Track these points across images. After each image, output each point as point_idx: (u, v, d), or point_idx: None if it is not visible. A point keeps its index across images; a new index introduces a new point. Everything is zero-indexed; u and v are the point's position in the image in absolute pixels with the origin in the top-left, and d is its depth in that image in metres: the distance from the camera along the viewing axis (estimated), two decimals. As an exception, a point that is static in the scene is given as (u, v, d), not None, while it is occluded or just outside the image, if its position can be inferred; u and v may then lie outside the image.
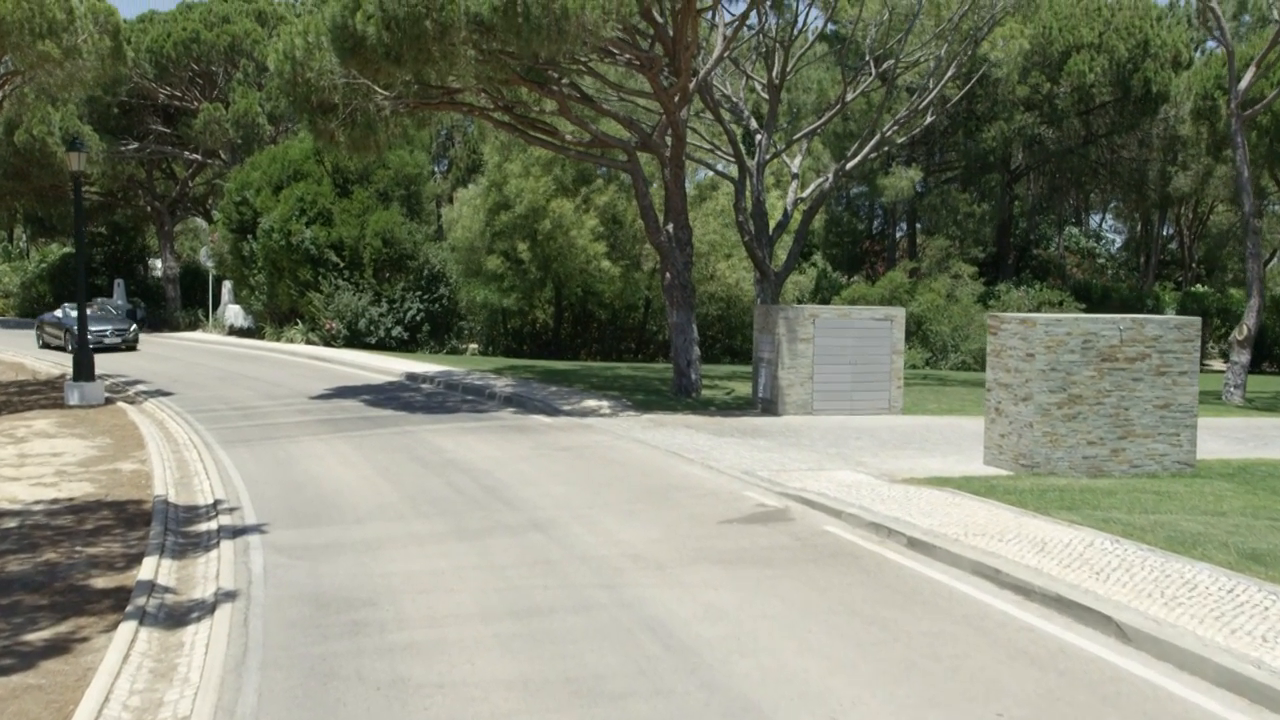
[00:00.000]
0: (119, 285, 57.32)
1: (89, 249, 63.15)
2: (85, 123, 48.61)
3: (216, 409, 24.91)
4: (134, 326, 40.78)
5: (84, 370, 26.32)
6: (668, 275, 25.97)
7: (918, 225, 56.04)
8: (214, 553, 12.48)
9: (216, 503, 15.13)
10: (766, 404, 23.36)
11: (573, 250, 40.67)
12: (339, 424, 22.02)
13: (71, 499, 15.57)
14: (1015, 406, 16.51)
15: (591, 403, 24.58)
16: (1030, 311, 46.88)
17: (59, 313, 41.02)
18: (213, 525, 13.87)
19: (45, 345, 41.20)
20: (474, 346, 45.99)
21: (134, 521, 14.24)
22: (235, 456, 18.69)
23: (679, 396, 25.85)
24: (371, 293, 41.67)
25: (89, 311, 34.61)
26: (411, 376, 30.95)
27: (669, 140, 26.31)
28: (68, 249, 66.13)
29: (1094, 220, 78.58)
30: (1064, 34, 47.26)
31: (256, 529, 13.47)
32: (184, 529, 13.84)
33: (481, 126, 30.74)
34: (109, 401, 26.38)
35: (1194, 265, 70.04)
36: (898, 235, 55.63)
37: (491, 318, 45.79)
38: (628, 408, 23.89)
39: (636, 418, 22.43)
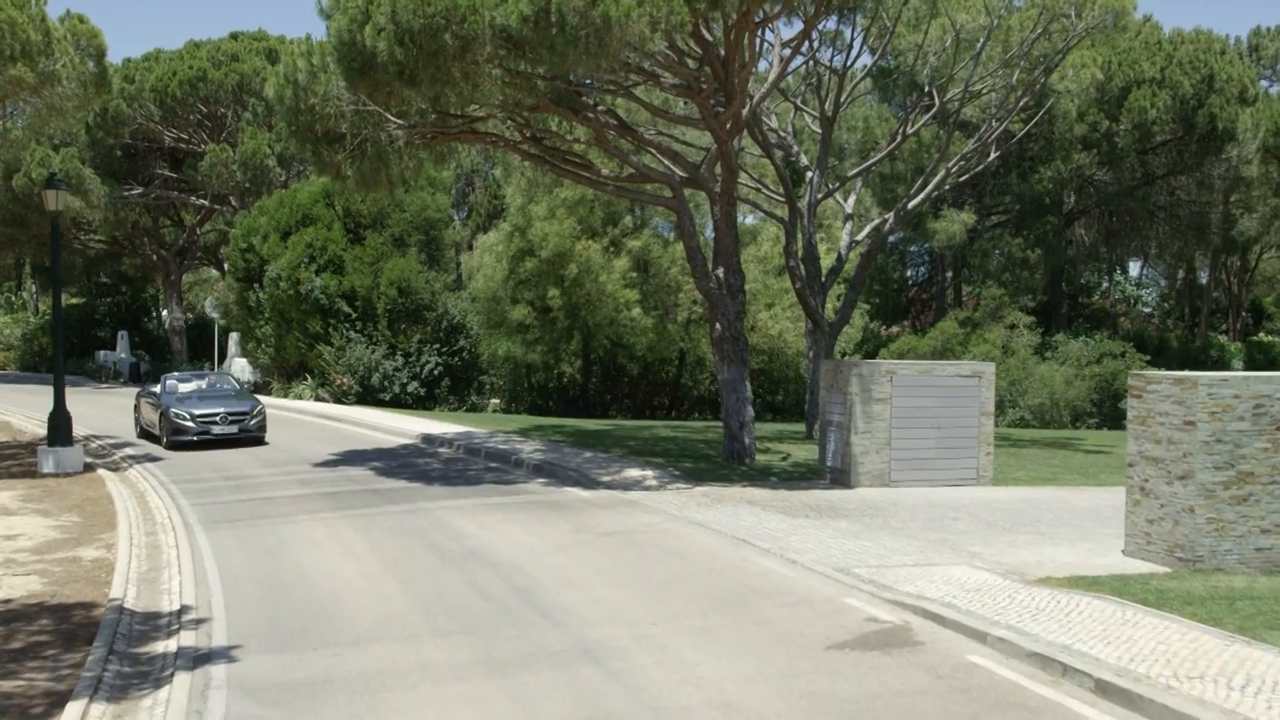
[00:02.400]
0: (123, 337, 54.68)
1: (94, 299, 60.61)
2: (87, 166, 46.14)
3: (207, 478, 21.93)
4: (258, 408, 27.89)
5: (60, 434, 23.38)
6: (718, 326, 22.95)
7: (964, 272, 53.00)
8: (164, 691, 9.46)
9: (183, 610, 12.11)
10: (836, 474, 20.26)
11: (602, 298, 37.71)
12: (343, 499, 18.98)
13: (9, 601, 12.60)
14: (1169, 486, 13.36)
15: (634, 472, 21.49)
16: (1092, 363, 43.73)
17: (157, 388, 28.99)
18: (171, 646, 10.82)
19: (144, 433, 29.06)
20: (495, 402, 42.98)
21: (75, 637, 11.22)
22: (217, 542, 15.65)
23: (731, 463, 22.77)
24: (386, 346, 38.72)
25: (189, 386, 28.80)
26: (428, 439, 27.92)
27: (718, 174, 23.38)
28: (74, 299, 63.59)
29: (1133, 268, 75.56)
30: (1124, 68, 44.37)
31: (225, 654, 10.42)
32: (135, 649, 10.82)
33: (507, 162, 28.05)
34: (89, 468, 23.44)
35: (1243, 313, 66.83)
36: (943, 283, 52.50)
37: (515, 372, 42.81)
38: (675, 478, 20.80)
39: (688, 491, 19.33)
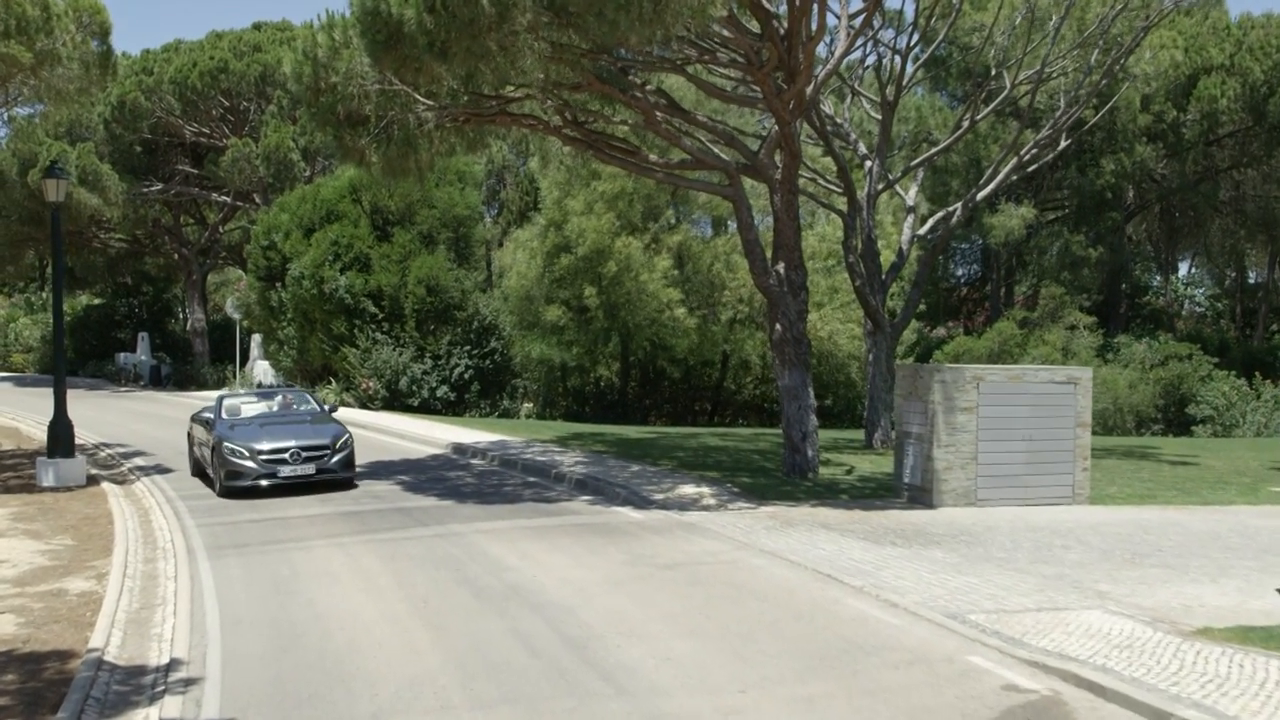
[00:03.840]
0: (143, 339, 52.96)
1: (114, 299, 58.93)
2: (105, 161, 44.42)
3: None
4: (343, 438, 20.54)
5: (61, 444, 21.50)
6: (778, 327, 20.86)
7: (1017, 271, 50.69)
8: (134, 788, 7.44)
9: (172, 665, 10.13)
10: (915, 492, 18.14)
11: (643, 297, 35.64)
12: (366, 520, 16.97)
13: (-28, 649, 10.67)
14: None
15: (688, 489, 19.40)
16: (1156, 366, 41.41)
17: (212, 411, 21.69)
18: (152, 716, 8.83)
19: (198, 470, 22.03)
20: (528, 407, 40.95)
21: (41, 700, 9.33)
22: (221, 573, 13.67)
23: (793, 478, 20.67)
24: (414, 348, 36.72)
25: (253, 409, 21.77)
26: (459, 449, 25.91)
27: (778, 160, 21.29)
28: (96, 300, 61.96)
29: (1181, 267, 72.87)
30: (1191, 55, 42.02)
31: (215, 731, 8.42)
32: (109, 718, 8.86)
33: (544, 150, 26.09)
34: (93, 481, 21.56)
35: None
36: (997, 282, 50.16)
37: (549, 375, 40.80)
38: (735, 496, 18.71)
39: (752, 513, 17.23)
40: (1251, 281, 67.72)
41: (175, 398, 44.19)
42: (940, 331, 52.19)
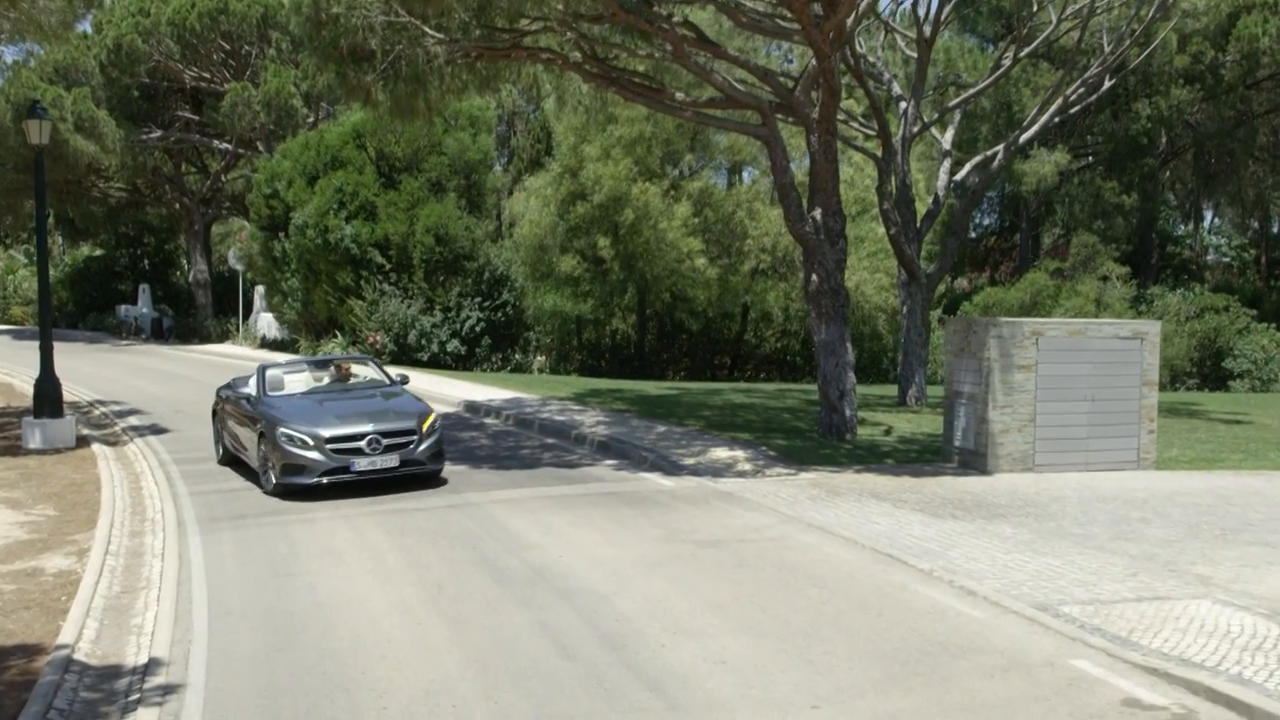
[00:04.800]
0: (144, 291, 51.58)
1: (114, 250, 57.45)
2: (102, 107, 42.79)
3: (215, 458, 18.64)
4: (430, 418, 15.95)
5: (48, 404, 20.20)
6: (814, 278, 19.41)
7: (1044, 220, 49.05)
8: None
9: (150, 666, 8.81)
10: (967, 456, 16.73)
11: (661, 247, 34.11)
12: (373, 486, 15.60)
13: (-72, 645, 9.39)
14: None
15: (720, 452, 18.00)
16: (1191, 319, 39.89)
17: (248, 386, 17.21)
18: (121, 736, 7.54)
19: (230, 458, 17.80)
20: (540, 360, 39.49)
21: (-3, 710, 8.03)
22: (213, 551, 12.33)
23: (830, 440, 19.28)
24: (423, 300, 35.25)
25: (300, 380, 17.22)
26: (472, 407, 24.54)
27: (815, 98, 19.76)
28: (97, 251, 60.50)
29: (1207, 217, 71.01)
30: (1232, -9, 40.10)
31: (192, 759, 7.09)
32: (71, 740, 7.58)
33: (561, 90, 24.40)
34: (83, 442, 20.24)
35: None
36: (1026, 231, 48.49)
37: (563, 328, 39.31)
38: (772, 460, 17.30)
39: (793, 480, 15.84)
40: (1275, 231, 66.02)
41: (177, 351, 42.85)
42: (962, 283, 50.63)
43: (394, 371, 19.00)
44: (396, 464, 15.27)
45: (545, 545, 12.25)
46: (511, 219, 41.58)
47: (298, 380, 17.31)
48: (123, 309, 52.86)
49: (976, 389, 16.48)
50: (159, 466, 17.90)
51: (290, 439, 15.04)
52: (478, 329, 35.41)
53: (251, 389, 16.78)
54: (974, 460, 16.57)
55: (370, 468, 15.11)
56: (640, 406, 24.04)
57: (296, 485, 15.01)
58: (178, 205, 51.09)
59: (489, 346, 35.81)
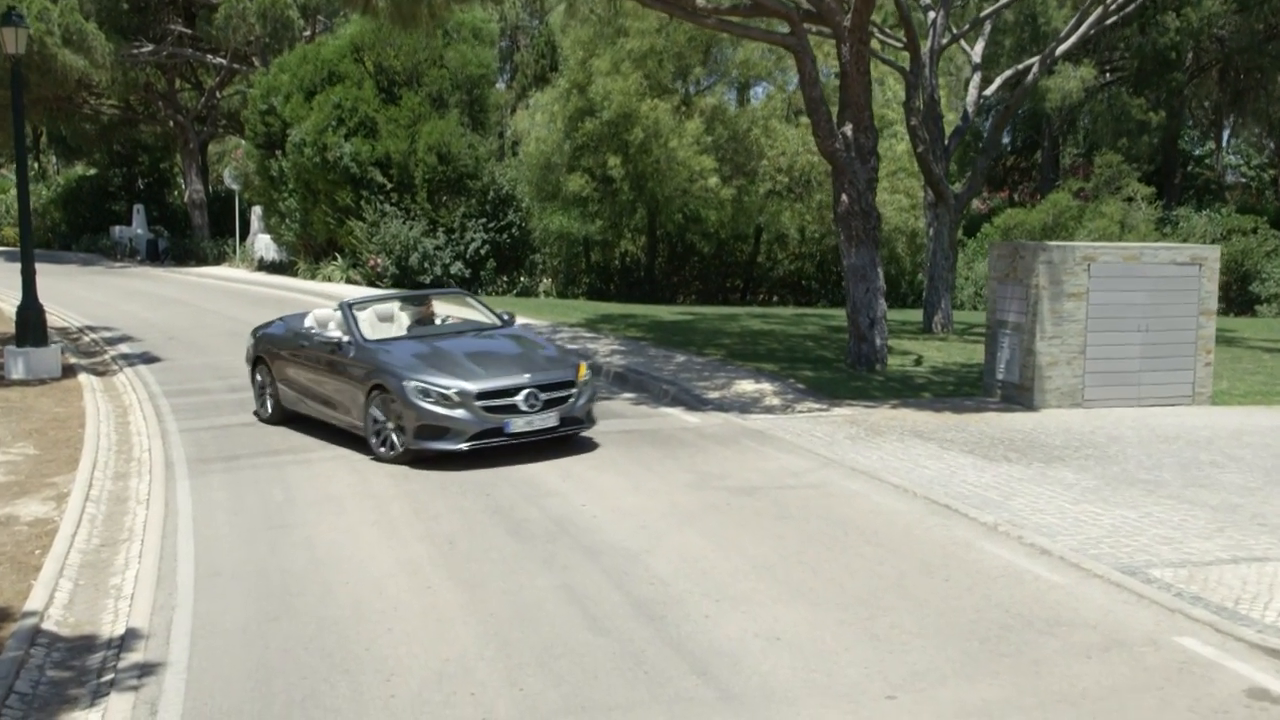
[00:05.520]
0: (138, 211, 50.21)
1: (107, 170, 55.96)
2: (91, 20, 41.08)
3: (210, 389, 17.61)
4: (584, 371, 13.31)
5: (31, 331, 19.12)
6: (844, 198, 18.20)
7: (1066, 139, 47.57)
8: None
9: (125, 641, 7.79)
10: (1011, 390, 15.64)
11: (672, 166, 32.78)
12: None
13: (-120, 611, 8.41)
14: None
15: (746, 385, 16.89)
16: (1218, 241, 38.60)
17: (325, 325, 14.33)
18: (88, 729, 6.53)
19: (286, 414, 14.65)
20: (546, 283, 38.30)
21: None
22: (202, 499, 11.27)
23: (860, 371, 18.18)
24: (426, 221, 33.95)
25: (385, 309, 14.52)
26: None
27: (846, 4, 18.42)
28: (90, 171, 59.00)
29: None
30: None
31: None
32: (32, 731, 6.59)
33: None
34: (69, 373, 19.17)
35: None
36: (1049, 150, 47.00)
37: (570, 250, 38.05)
38: (802, 394, 16.19)
39: (826, 416, 14.75)
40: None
41: (172, 274, 41.62)
42: (978, 205, 49.25)
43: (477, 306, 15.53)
44: (555, 423, 12.60)
45: (565, 492, 11.19)
46: (516, 137, 40.21)
47: (386, 318, 14.41)
48: (117, 230, 51.49)
49: (1022, 318, 15.35)
50: (148, 399, 16.83)
51: (426, 394, 12.16)
52: (482, 251, 34.18)
53: (335, 331, 13.70)
54: (1018, 395, 15.47)
55: (527, 428, 12.35)
56: (655, 333, 22.92)
57: (433, 451, 12.22)
58: (172, 123, 49.52)
59: (494, 269, 34.61)
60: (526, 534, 9.83)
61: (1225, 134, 67.66)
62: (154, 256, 48.09)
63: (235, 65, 45.25)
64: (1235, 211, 41.48)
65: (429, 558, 9.26)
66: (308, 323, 14.59)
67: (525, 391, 12.41)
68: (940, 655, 7.15)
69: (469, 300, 15.89)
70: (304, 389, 14.11)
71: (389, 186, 34.20)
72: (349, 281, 34.32)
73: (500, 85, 49.06)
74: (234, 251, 44.27)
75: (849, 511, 10.36)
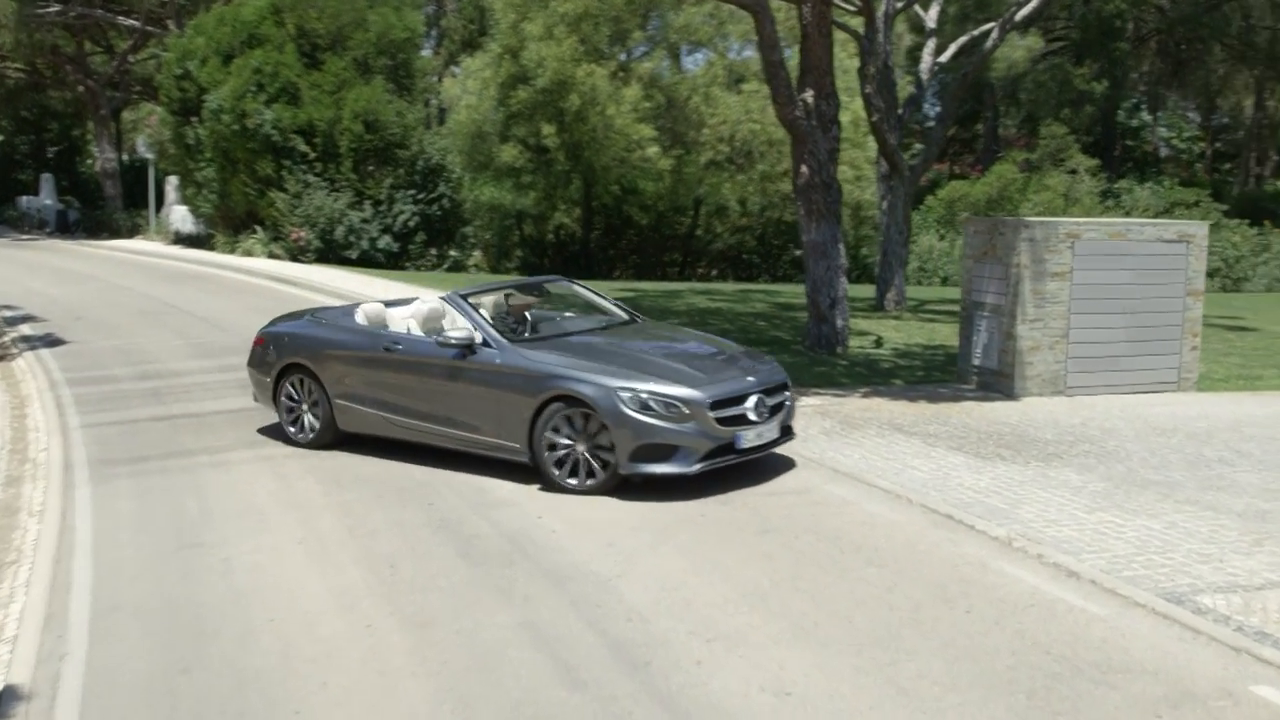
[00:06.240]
0: (47, 181, 48.06)
1: (13, 137, 53.56)
2: (-9, -23, 38.96)
3: (118, 377, 16.12)
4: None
5: (-80, 313, 17.47)
6: (804, 169, 17.08)
7: (1009, 109, 46.81)
8: None
9: (2, 702, 6.46)
10: (988, 377, 14.62)
11: (609, 135, 31.50)
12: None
13: None
14: None
15: (704, 372, 15.71)
16: (1162, 214, 38.09)
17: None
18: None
19: (332, 436, 11.78)
20: (478, 256, 36.88)
21: None
22: (105, 511, 9.90)
23: (820, 353, 17.12)
24: (351, 192, 32.39)
25: (506, 298, 12.05)
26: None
27: (806, -38, 17.25)
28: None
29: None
30: None
31: None
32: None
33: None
34: (-39, 358, 17.59)
35: (1277, 157, 61.17)
36: (993, 120, 46.20)
37: (502, 223, 36.63)
38: (764, 381, 15.05)
39: (796, 407, 13.61)
40: (1224, 122, 64.58)
41: (82, 247, 39.67)
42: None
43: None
44: (778, 433, 10.68)
45: (518, 501, 9.95)
46: (445, 104, 38.72)
47: (496, 310, 11.94)
48: (24, 200, 49.23)
49: (1002, 300, 14.32)
50: (49, 388, 15.36)
51: (646, 406, 9.85)
52: (411, 224, 32.69)
53: (458, 330, 10.82)
54: (997, 382, 14.46)
55: (757, 442, 10.32)
56: (598, 313, 21.66)
57: (657, 475, 9.95)
58: (82, 88, 47.34)
59: (423, 242, 33.13)
60: (479, 555, 8.59)
61: (1159, 106, 67.70)
62: (64, 228, 46.02)
63: (149, 28, 43.31)
64: (1179, 184, 41.03)
65: (367, 587, 8.00)
66: (360, 320, 11.91)
67: (755, 398, 10.29)
68: (982, 714, 6.03)
69: (574, 286, 13.23)
70: (391, 405, 11.24)
71: (312, 156, 32.57)
72: (271, 256, 32.68)
73: (426, 51, 47.38)
74: (149, 223, 42.34)
75: (840, 523, 9.23)
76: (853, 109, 27.50)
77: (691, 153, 33.66)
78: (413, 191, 32.92)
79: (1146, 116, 56.40)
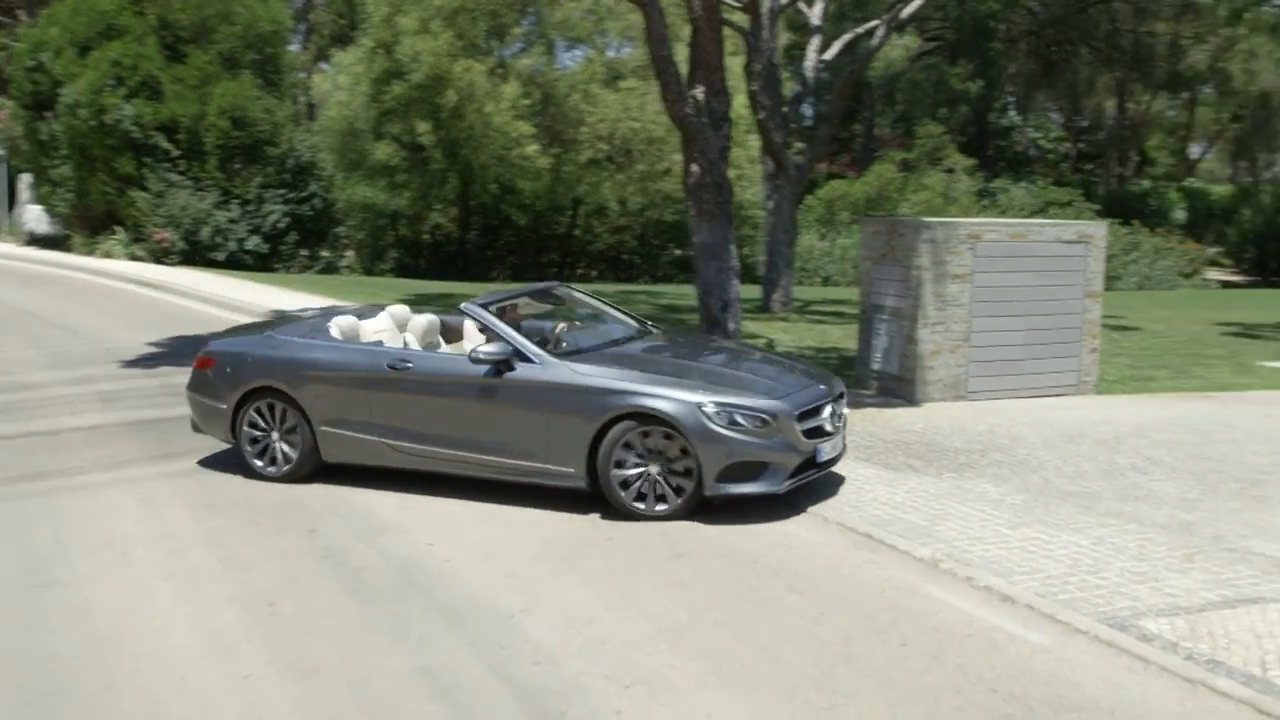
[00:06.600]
0: (-116, 180, 45.49)
1: None
2: None
3: (-39, 390, 14.95)
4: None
5: None
6: (694, 168, 16.52)
7: (884, 108, 46.98)
8: None
9: None
10: (889, 382, 14.23)
11: (488, 132, 30.70)
12: (167, 434, 12.26)
13: None
14: None
15: (596, 379, 15.09)
16: (1037, 213, 38.52)
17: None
18: None
19: (311, 465, 10.45)
20: (351, 257, 35.78)
21: None
22: (-57, 546, 8.93)
23: (714, 358, 16.56)
24: (218, 192, 31.07)
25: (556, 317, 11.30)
26: (284, 317, 21.05)
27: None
28: None
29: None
30: None
31: None
32: None
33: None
34: None
35: (1136, 158, 62.68)
36: (870, 119, 46.29)
37: (376, 223, 35.56)
38: (659, 389, 14.48)
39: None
40: (1085, 124, 65.92)
41: (-71, 249, 37.64)
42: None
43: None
44: (843, 447, 10.10)
45: (407, 526, 9.23)
46: (316, 100, 37.54)
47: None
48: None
49: (902, 302, 13.94)
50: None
51: (733, 421, 9.08)
52: (281, 224, 31.49)
53: (491, 347, 9.65)
54: (898, 387, 14.07)
55: (832, 454, 9.73)
56: (480, 316, 20.90)
57: (746, 496, 9.20)
58: (-74, 81, 45.07)
59: (294, 243, 31.96)
60: (367, 589, 7.86)
61: (1032, 108, 68.87)
62: (-96, 232, 43.63)
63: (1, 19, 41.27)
64: (1051, 184, 41.55)
65: (244, 629, 7.22)
66: (335, 334, 10.64)
67: (829, 408, 9.64)
68: (935, 766, 5.51)
69: (576, 294, 11.96)
70: (397, 431, 10.05)
71: (176, 154, 31.17)
72: (133, 258, 31.21)
73: (295, 46, 46.02)
74: (0, 224, 40.33)
75: (754, 545, 8.68)
76: (734, 107, 27.10)
77: (570, 151, 33.03)
78: (283, 191, 31.73)
79: (1016, 117, 57.16)
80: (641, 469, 9.25)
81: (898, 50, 36.72)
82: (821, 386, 9.88)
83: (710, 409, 9.04)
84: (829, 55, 24.64)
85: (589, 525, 9.15)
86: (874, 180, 36.40)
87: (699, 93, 16.43)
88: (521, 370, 9.58)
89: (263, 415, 10.48)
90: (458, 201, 35.64)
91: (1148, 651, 6.67)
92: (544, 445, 9.49)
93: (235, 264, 30.60)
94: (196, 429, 11.10)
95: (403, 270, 34.93)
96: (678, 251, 35.89)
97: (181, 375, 15.13)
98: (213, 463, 11.09)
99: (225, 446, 11.30)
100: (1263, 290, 39.07)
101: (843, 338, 19.27)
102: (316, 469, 10.44)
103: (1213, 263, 44.40)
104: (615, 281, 35.42)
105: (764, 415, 9.13)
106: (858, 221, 36.12)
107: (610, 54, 33.68)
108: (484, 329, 10.23)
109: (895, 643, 6.89)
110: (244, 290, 24.81)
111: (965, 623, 7.18)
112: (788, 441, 9.18)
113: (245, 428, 10.53)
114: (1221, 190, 56.13)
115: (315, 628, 7.22)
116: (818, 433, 9.45)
